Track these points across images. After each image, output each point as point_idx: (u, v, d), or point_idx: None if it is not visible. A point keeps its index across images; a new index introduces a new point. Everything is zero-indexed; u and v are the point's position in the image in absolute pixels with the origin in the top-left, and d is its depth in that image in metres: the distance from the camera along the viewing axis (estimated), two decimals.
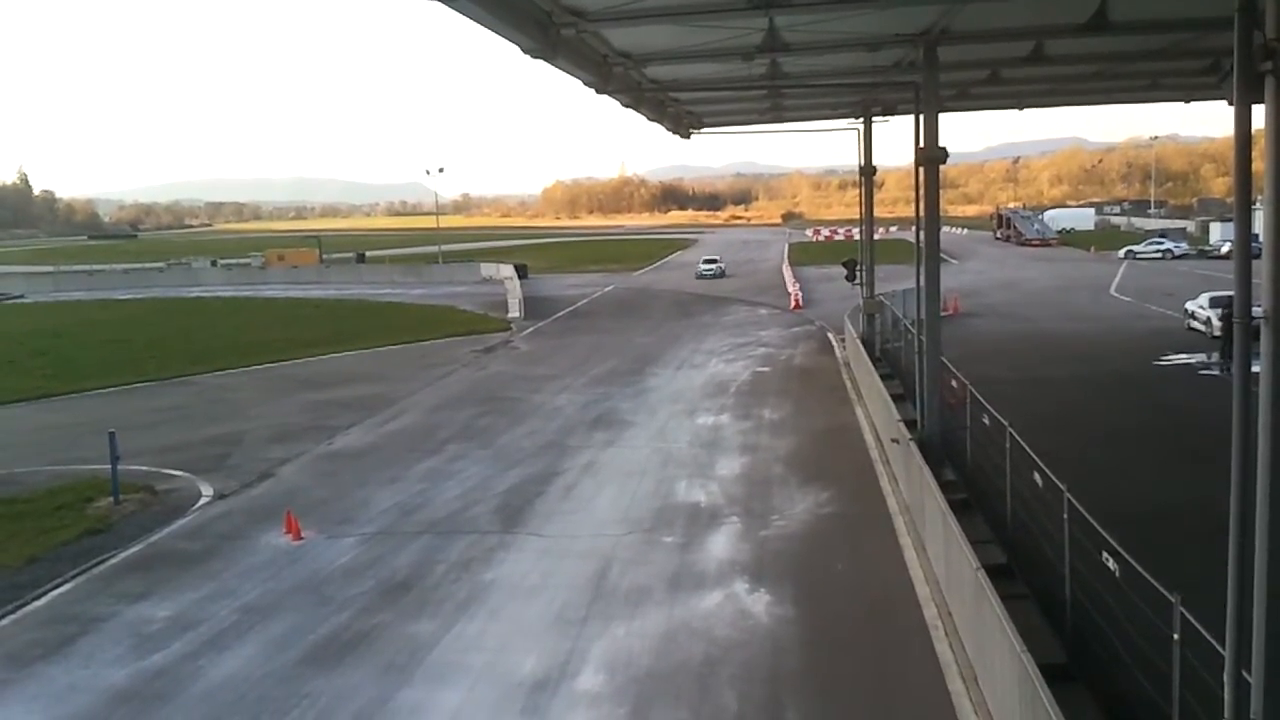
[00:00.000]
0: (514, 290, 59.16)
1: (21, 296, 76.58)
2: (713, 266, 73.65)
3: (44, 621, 14.60)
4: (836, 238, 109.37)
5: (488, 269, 78.72)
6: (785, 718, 11.11)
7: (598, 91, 20.27)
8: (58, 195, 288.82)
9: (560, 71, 17.51)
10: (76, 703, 12.01)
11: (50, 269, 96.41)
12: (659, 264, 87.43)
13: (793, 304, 51.91)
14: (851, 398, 28.05)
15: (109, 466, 20.18)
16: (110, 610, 14.78)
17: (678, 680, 11.90)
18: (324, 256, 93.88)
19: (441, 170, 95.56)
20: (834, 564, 15.64)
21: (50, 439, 26.72)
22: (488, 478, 21.19)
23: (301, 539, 17.56)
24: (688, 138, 35.17)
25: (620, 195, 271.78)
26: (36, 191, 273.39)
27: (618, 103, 24.30)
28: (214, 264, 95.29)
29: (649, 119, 29.44)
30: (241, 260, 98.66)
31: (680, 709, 11.27)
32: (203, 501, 20.37)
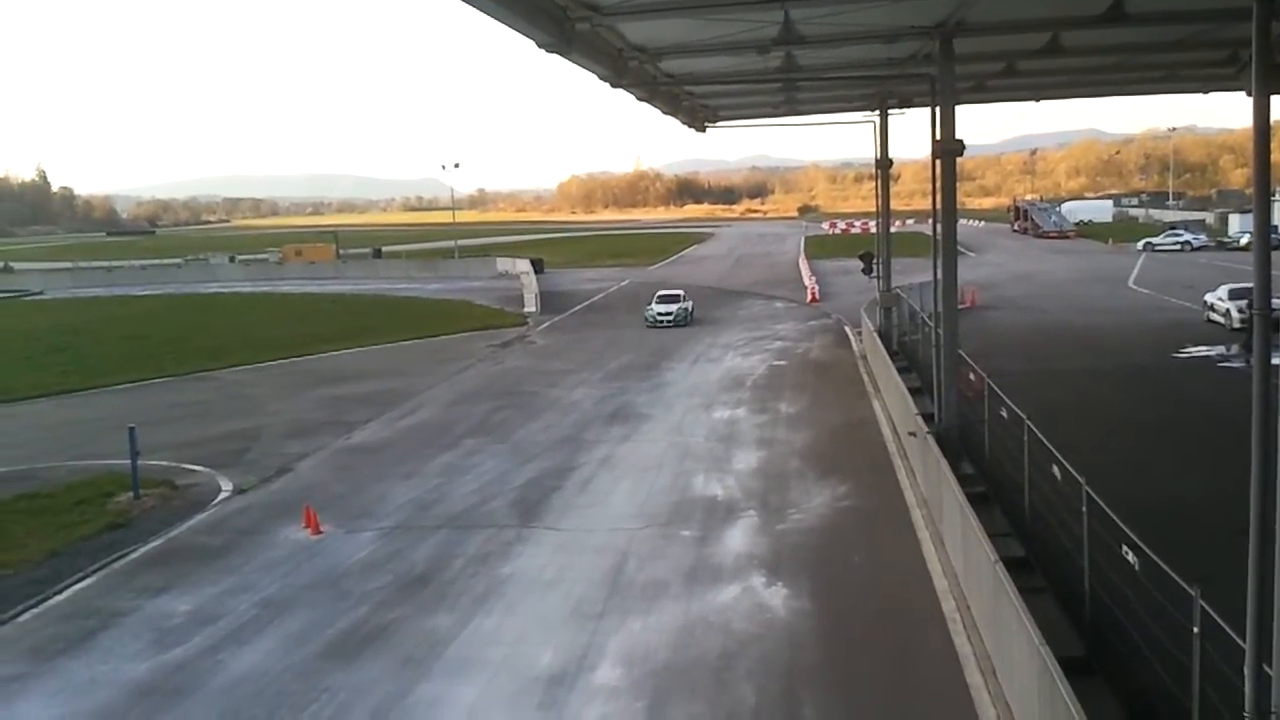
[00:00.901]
0: (530, 285, 59.22)
1: (40, 293, 77.17)
2: (671, 308, 44.14)
3: (65, 616, 14.74)
4: (853, 231, 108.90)
5: (504, 264, 78.70)
6: (802, 712, 11.11)
7: (613, 86, 20.31)
8: (76, 192, 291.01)
9: (575, 66, 17.55)
10: (97, 697, 12.13)
11: (69, 265, 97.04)
12: (674, 258, 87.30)
13: (809, 297, 51.83)
14: (868, 391, 27.99)
15: (128, 462, 20.38)
16: (131, 605, 14.92)
17: (695, 674, 11.92)
18: (340, 252, 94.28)
19: (457, 165, 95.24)
20: (851, 557, 15.63)
21: (70, 434, 26.95)
22: (504, 472, 21.25)
23: (320, 533, 17.67)
24: (703, 131, 35.21)
25: (636, 189, 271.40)
26: (55, 188, 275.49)
27: (633, 97, 24.35)
28: (231, 260, 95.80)
29: (664, 113, 29.48)
30: (259, 256, 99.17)
31: (697, 702, 11.28)
32: (222, 496, 20.51)
